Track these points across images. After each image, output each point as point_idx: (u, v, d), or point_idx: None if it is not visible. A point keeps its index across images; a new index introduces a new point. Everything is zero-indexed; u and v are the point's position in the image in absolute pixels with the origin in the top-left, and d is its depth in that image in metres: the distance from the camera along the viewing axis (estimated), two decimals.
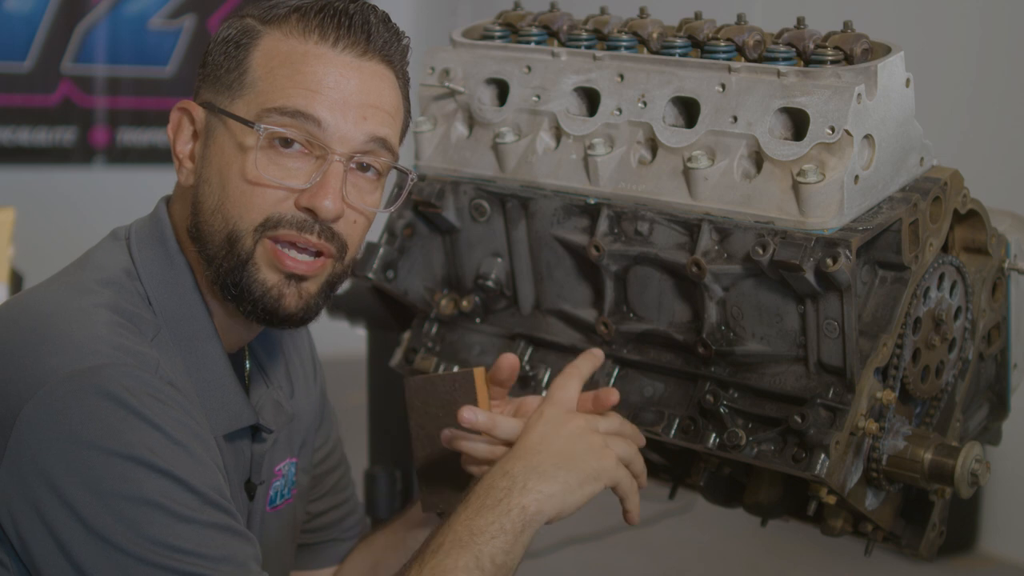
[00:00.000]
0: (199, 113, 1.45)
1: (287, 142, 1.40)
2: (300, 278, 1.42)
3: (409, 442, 1.63)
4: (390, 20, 1.46)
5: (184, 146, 1.46)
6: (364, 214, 1.45)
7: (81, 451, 1.26)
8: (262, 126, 1.39)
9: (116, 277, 1.42)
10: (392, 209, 1.56)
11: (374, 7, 1.45)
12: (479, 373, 1.57)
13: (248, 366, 1.55)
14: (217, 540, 1.29)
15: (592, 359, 1.58)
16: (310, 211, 1.40)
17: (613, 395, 1.54)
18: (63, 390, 1.28)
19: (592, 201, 1.66)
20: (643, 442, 1.56)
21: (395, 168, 1.48)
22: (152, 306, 1.42)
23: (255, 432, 1.51)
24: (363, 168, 1.44)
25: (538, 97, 1.70)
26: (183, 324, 1.43)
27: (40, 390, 1.28)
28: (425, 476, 1.64)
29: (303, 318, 1.45)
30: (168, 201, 1.50)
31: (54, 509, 1.26)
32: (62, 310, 1.36)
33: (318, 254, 1.43)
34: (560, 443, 1.46)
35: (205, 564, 1.27)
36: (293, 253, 1.41)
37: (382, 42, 1.43)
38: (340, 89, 1.41)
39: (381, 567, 1.70)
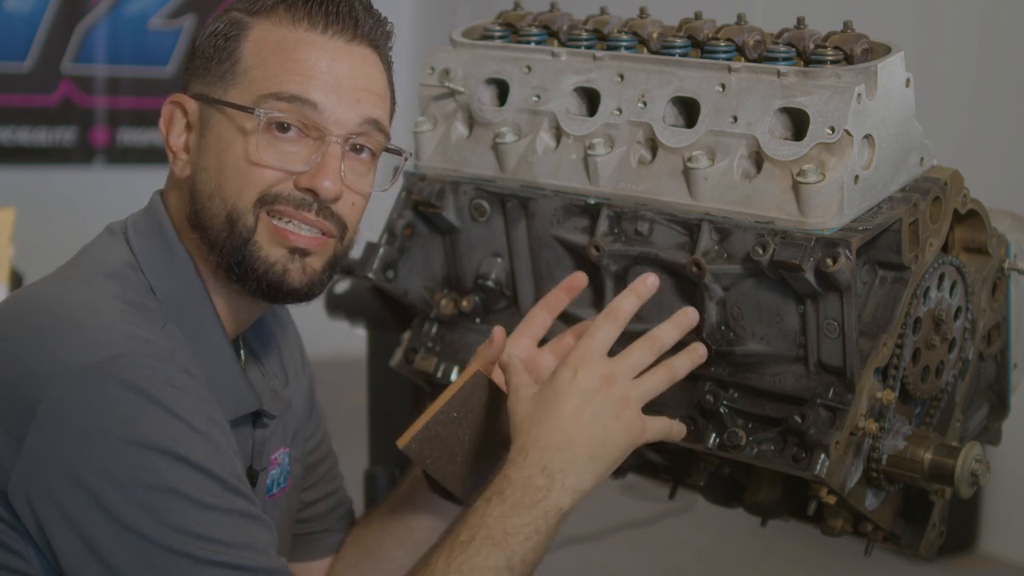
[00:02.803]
0: (192, 106, 1.48)
1: (284, 127, 1.43)
2: (304, 253, 1.45)
3: (432, 482, 1.61)
4: (372, 6, 1.50)
5: (177, 138, 1.49)
6: (361, 194, 1.49)
7: (102, 441, 1.28)
8: (261, 111, 1.42)
9: (119, 270, 1.44)
10: (387, 189, 1.58)
11: None
12: (479, 370, 1.57)
13: (243, 355, 1.57)
14: (238, 526, 1.31)
15: (644, 288, 1.53)
16: (310, 192, 1.43)
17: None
18: (82, 381, 1.29)
19: (592, 201, 1.66)
20: (670, 341, 1.51)
21: (388, 150, 1.52)
22: (156, 296, 1.44)
23: (256, 418, 1.53)
24: (357, 150, 1.48)
25: (538, 97, 1.70)
26: (187, 312, 1.45)
27: (59, 382, 1.29)
28: (460, 484, 1.61)
29: (307, 293, 1.47)
30: (162, 194, 1.52)
31: (76, 500, 1.27)
32: (72, 303, 1.37)
33: (319, 231, 1.46)
34: (593, 424, 1.43)
35: (227, 551, 1.29)
36: (294, 227, 1.44)
37: (368, 27, 1.47)
38: (333, 73, 1.44)
39: (379, 555, 1.72)
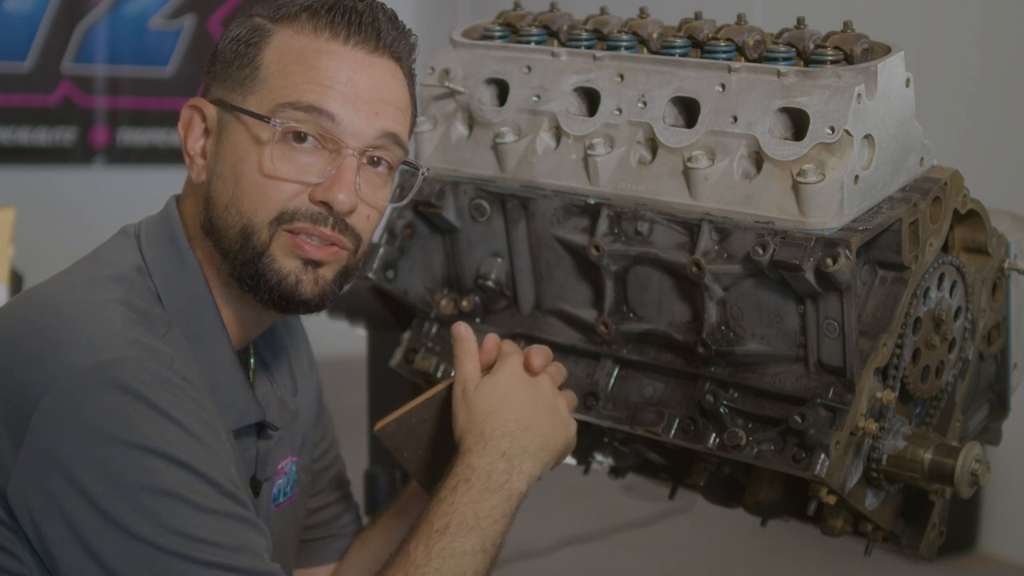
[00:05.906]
0: (211, 111, 1.47)
1: (301, 137, 1.42)
2: (316, 264, 1.44)
3: (402, 470, 1.65)
4: (397, 18, 1.48)
5: (195, 143, 1.48)
6: (376, 208, 1.48)
7: (100, 444, 1.28)
8: (277, 120, 1.41)
9: (127, 274, 1.44)
10: (404, 203, 1.60)
11: (382, 5, 1.48)
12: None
13: (252, 364, 1.56)
14: (234, 530, 1.31)
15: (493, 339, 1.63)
16: (325, 204, 1.42)
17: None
18: (81, 384, 1.29)
19: (592, 201, 1.66)
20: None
21: (405, 164, 1.50)
22: (163, 303, 1.44)
23: (260, 429, 1.53)
24: (374, 163, 1.47)
25: (538, 97, 1.70)
26: (193, 321, 1.45)
27: (58, 384, 1.29)
28: (423, 475, 1.66)
29: (319, 304, 1.47)
30: (178, 199, 1.52)
31: (73, 501, 1.28)
32: (76, 306, 1.37)
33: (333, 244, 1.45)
34: (541, 416, 1.54)
35: (223, 553, 1.29)
36: (311, 239, 1.43)
37: (391, 39, 1.46)
38: (352, 85, 1.43)
39: (384, 557, 1.71)
